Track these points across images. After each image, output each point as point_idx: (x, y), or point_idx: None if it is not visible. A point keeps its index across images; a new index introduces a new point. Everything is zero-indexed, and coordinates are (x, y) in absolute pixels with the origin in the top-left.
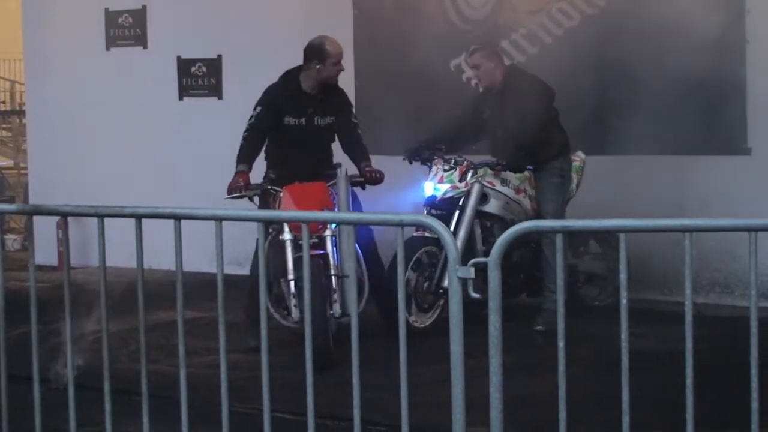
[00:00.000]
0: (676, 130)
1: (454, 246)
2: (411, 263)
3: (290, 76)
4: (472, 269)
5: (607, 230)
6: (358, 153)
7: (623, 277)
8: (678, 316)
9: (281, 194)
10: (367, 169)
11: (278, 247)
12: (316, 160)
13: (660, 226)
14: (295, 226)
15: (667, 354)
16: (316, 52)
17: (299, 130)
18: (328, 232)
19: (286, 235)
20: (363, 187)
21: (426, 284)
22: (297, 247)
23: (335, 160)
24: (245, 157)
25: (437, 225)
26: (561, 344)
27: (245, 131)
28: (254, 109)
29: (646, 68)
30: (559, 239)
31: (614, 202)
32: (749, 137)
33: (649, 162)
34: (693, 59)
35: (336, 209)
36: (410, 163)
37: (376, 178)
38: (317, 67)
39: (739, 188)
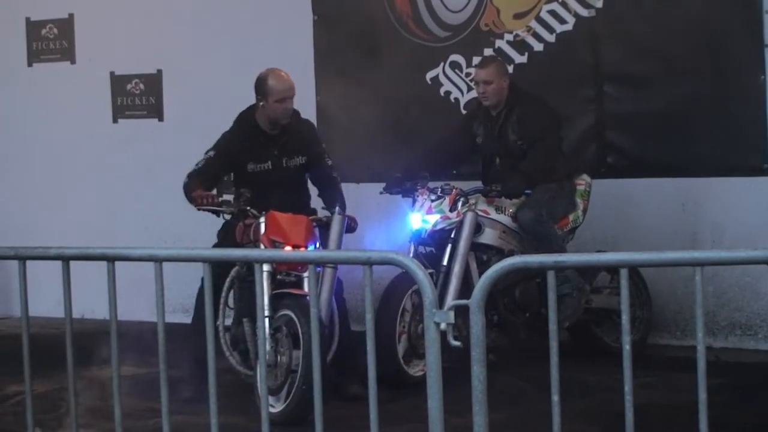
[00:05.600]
0: (686, 148)
1: (430, 287)
2: (402, 305)
3: (245, 117)
4: (451, 313)
5: (605, 265)
6: (335, 201)
7: (625, 318)
8: (692, 362)
9: (261, 220)
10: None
11: (246, 281)
12: (290, 207)
13: (668, 259)
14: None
15: (678, 407)
16: (258, 86)
17: (267, 176)
18: (307, 273)
19: (265, 266)
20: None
21: (420, 326)
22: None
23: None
24: (195, 187)
25: (409, 263)
26: (555, 398)
27: (187, 175)
28: (206, 153)
29: (650, 78)
30: (550, 276)
31: (616, 232)
32: None
33: (656, 185)
34: (704, 67)
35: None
36: (390, 194)
37: (350, 227)
38: (261, 104)
39: (759, 214)
